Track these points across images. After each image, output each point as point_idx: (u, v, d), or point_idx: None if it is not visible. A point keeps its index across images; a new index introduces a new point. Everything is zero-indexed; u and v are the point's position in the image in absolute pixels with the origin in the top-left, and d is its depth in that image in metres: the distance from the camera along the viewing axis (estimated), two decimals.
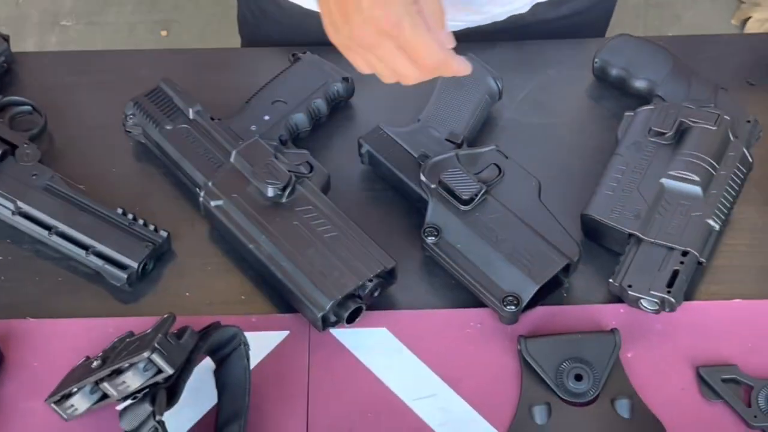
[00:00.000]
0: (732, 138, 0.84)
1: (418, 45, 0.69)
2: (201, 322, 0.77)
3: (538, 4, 1.01)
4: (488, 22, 1.00)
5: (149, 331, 0.70)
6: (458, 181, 0.83)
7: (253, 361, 0.79)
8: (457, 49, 0.72)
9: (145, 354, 0.66)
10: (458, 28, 0.98)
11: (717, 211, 0.81)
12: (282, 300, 0.82)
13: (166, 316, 0.71)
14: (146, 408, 0.68)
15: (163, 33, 2.25)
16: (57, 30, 2.26)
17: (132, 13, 2.28)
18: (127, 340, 0.71)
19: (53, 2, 2.31)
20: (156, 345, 0.66)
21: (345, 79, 0.91)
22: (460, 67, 0.73)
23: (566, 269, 0.82)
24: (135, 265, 0.81)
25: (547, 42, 0.99)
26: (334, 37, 0.73)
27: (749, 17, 2.22)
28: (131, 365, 0.67)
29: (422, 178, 0.84)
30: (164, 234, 0.84)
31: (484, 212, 0.83)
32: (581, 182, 0.87)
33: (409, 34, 0.68)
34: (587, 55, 0.95)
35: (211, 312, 0.81)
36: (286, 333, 0.81)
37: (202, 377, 0.78)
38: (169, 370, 0.67)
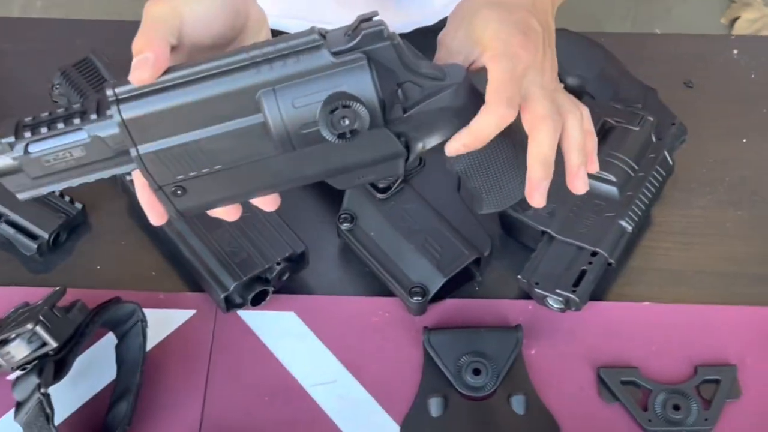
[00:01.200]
0: (654, 140, 0.83)
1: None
2: (107, 296, 0.77)
3: None
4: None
5: (39, 302, 0.70)
6: None
7: (157, 338, 0.79)
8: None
9: (29, 326, 0.66)
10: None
11: (631, 213, 0.80)
12: (191, 278, 0.82)
13: (56, 288, 0.71)
14: (33, 380, 0.68)
15: None
16: None
17: None
18: (20, 310, 0.71)
19: None
20: (41, 317, 0.66)
21: None
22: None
23: (477, 263, 0.81)
24: (46, 235, 0.81)
25: None
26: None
27: (738, 17, 2.20)
28: (17, 336, 0.67)
29: None
30: (79, 206, 0.84)
31: (400, 201, 0.83)
32: None
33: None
34: None
35: (120, 286, 0.81)
36: (192, 312, 0.81)
37: (105, 352, 0.78)
38: (53, 343, 0.67)
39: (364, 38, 0.54)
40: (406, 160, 0.59)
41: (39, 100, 0.91)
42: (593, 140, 0.64)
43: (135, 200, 0.82)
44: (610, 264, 0.79)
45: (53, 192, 0.83)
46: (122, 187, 0.84)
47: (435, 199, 0.83)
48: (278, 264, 0.79)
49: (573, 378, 0.77)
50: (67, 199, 0.84)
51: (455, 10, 0.64)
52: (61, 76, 0.89)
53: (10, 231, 0.82)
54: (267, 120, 0.54)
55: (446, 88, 0.58)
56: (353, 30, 0.55)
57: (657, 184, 0.82)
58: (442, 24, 0.97)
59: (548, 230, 0.80)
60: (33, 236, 0.82)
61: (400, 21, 0.98)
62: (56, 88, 0.89)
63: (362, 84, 0.54)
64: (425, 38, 0.93)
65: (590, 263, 0.78)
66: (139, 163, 0.55)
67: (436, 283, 0.79)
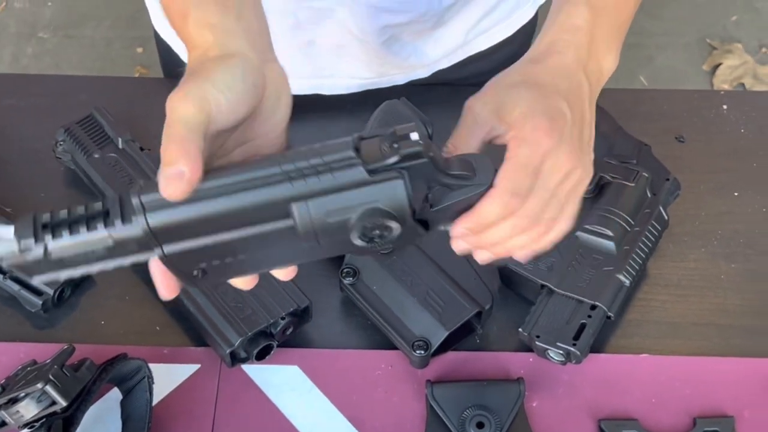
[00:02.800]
0: (650, 195, 0.85)
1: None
2: (111, 351, 0.77)
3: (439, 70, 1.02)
4: (386, 84, 1.00)
5: (48, 361, 0.70)
6: None
7: (162, 394, 0.79)
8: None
9: (39, 385, 0.67)
10: (350, 90, 0.99)
11: (629, 267, 0.82)
12: (195, 333, 0.82)
13: (65, 347, 0.72)
14: None
15: (139, 50, 2.27)
16: (34, 41, 2.28)
17: (110, 29, 2.30)
18: (29, 368, 0.72)
19: (32, 13, 2.33)
20: (50, 377, 0.67)
21: None
22: None
23: (479, 316, 0.82)
24: (51, 291, 0.82)
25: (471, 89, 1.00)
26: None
27: (720, 63, 2.24)
28: (26, 395, 0.68)
29: None
30: None
31: (402, 256, 0.84)
32: None
33: None
34: None
35: (124, 341, 0.82)
36: (196, 366, 0.82)
37: (111, 406, 0.79)
38: (62, 402, 0.68)
39: (403, 158, 0.54)
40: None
41: (42, 156, 0.93)
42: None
43: None
44: (609, 317, 0.81)
45: None
46: None
47: (436, 253, 0.84)
48: (282, 319, 0.80)
49: (575, 430, 0.78)
50: None
51: (494, 79, 0.64)
52: (64, 133, 0.90)
53: (15, 287, 0.82)
54: (297, 227, 0.54)
55: (475, 188, 0.58)
56: (390, 145, 0.54)
57: (653, 239, 0.84)
58: (437, 76, 1.01)
59: (548, 284, 0.82)
60: (38, 292, 0.82)
61: (395, 74, 1.00)
62: (60, 144, 0.90)
63: (397, 201, 0.54)
64: (419, 90, 0.95)
65: (590, 316, 0.80)
66: (163, 260, 0.55)
67: (438, 336, 0.80)
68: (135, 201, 0.53)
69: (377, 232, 0.55)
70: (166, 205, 0.52)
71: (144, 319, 0.84)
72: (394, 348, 0.82)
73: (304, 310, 0.81)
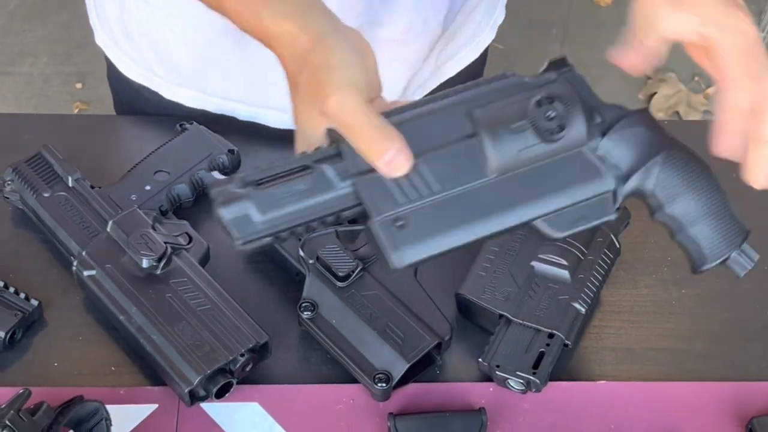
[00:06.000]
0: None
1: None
2: (67, 393, 0.76)
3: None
4: None
5: (3, 406, 0.69)
6: (336, 257, 0.84)
7: None
8: None
9: None
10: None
11: (584, 295, 0.83)
12: (153, 372, 0.81)
13: (21, 391, 0.70)
14: None
15: (78, 85, 2.24)
16: None
17: (47, 65, 2.27)
18: None
19: None
20: (7, 422, 0.65)
21: (231, 152, 0.92)
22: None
23: (438, 347, 0.83)
24: (1, 334, 0.80)
25: None
26: None
27: (655, 93, 2.31)
28: None
29: (300, 253, 0.85)
30: (35, 303, 0.83)
31: (360, 289, 0.84)
32: (458, 261, 0.89)
33: None
34: None
35: (79, 383, 0.80)
36: (154, 406, 0.80)
37: None
38: None
39: (552, 65, 0.62)
40: (615, 199, 0.63)
41: None
42: None
43: (91, 295, 0.83)
44: (566, 345, 0.82)
45: (8, 289, 0.82)
46: (78, 281, 0.84)
47: (394, 285, 0.84)
48: (242, 355, 0.79)
49: None
50: (22, 296, 0.83)
51: None
52: (12, 172, 0.88)
53: None
54: (478, 128, 0.59)
55: (632, 113, 0.63)
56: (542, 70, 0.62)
57: (606, 267, 0.86)
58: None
59: (505, 313, 0.82)
60: None
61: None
62: (8, 184, 0.88)
63: (563, 89, 0.60)
64: None
65: (548, 345, 0.81)
66: (360, 188, 0.59)
67: (399, 368, 0.80)
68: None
69: (552, 114, 0.59)
70: None
71: (98, 359, 0.83)
72: (355, 381, 0.82)
73: (263, 345, 0.81)
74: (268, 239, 0.60)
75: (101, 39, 1.03)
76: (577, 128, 0.60)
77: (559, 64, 0.63)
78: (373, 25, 0.92)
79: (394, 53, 0.95)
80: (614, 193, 0.63)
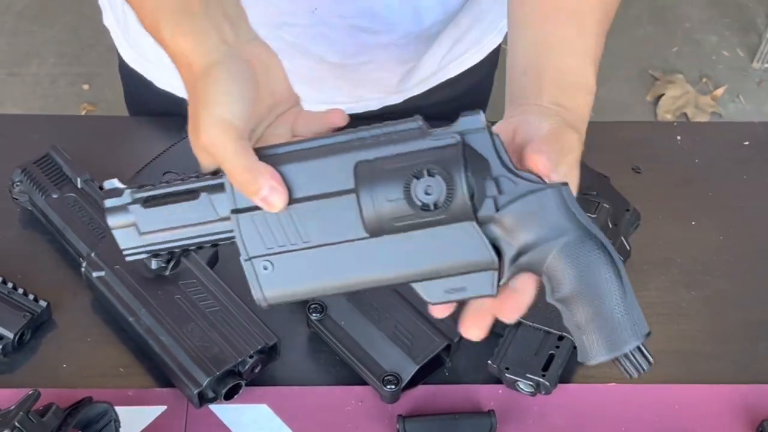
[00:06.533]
0: (611, 226, 0.87)
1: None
2: (75, 395, 0.76)
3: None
4: (362, 110, 1.01)
5: (12, 407, 0.68)
6: None
7: None
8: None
9: None
10: None
11: None
12: (161, 373, 0.81)
13: (30, 392, 0.70)
14: None
15: (85, 86, 2.24)
16: None
17: (54, 66, 2.27)
18: None
19: None
20: (16, 424, 0.65)
21: None
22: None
23: (448, 349, 0.82)
24: (11, 335, 0.80)
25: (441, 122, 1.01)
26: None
27: (663, 94, 2.30)
28: None
29: None
30: (43, 304, 0.82)
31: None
32: None
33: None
34: None
35: (87, 384, 0.80)
36: (162, 408, 0.80)
37: None
38: None
39: (461, 123, 0.57)
40: (499, 276, 0.57)
41: None
42: None
43: (100, 296, 0.83)
44: (576, 347, 0.81)
45: (17, 290, 0.82)
46: (87, 282, 0.84)
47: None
48: (251, 357, 0.79)
49: None
50: (31, 297, 0.83)
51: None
52: (21, 173, 0.88)
53: None
54: (357, 187, 0.56)
55: (546, 188, 0.56)
56: (452, 121, 0.57)
57: None
58: (409, 102, 1.01)
59: None
60: None
61: (369, 99, 1.00)
62: (17, 185, 0.88)
63: (452, 160, 0.55)
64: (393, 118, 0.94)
65: (557, 347, 0.81)
66: (235, 225, 0.58)
67: (408, 370, 0.80)
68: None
69: (430, 191, 0.55)
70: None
71: (107, 360, 0.83)
72: (364, 383, 0.82)
73: (272, 347, 0.81)
74: (146, 255, 0.62)
75: (108, 20, 1.03)
76: (459, 204, 0.55)
77: (469, 112, 0.57)
78: (368, 32, 0.92)
79: (390, 53, 0.95)
80: (498, 270, 0.57)
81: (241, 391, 0.80)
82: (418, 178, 0.55)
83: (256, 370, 0.80)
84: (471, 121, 0.57)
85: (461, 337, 0.82)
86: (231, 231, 0.59)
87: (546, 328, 0.81)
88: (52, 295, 0.84)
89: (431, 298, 0.60)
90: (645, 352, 0.59)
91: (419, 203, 0.55)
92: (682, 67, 2.34)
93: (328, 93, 0.97)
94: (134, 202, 0.60)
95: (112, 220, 0.61)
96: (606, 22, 0.73)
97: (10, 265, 0.86)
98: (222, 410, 0.80)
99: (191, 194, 0.59)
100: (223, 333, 0.79)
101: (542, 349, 0.80)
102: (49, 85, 2.24)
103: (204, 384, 0.77)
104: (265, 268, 0.59)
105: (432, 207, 0.55)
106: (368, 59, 0.94)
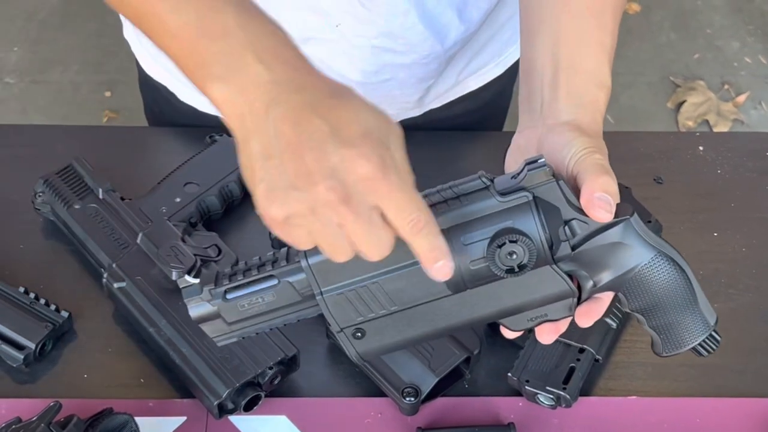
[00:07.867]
0: None
1: (403, 199, 0.55)
2: (96, 406, 0.76)
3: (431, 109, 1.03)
4: None
5: (34, 419, 0.69)
6: None
7: None
8: None
9: None
10: None
11: (615, 309, 0.82)
12: (181, 385, 0.81)
13: (51, 404, 0.70)
14: None
15: (107, 94, 2.26)
16: (0, 87, 2.26)
17: (77, 73, 2.29)
18: (14, 426, 0.70)
19: None
20: None
21: None
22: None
23: (467, 361, 0.82)
24: (32, 345, 0.81)
25: (459, 133, 1.01)
26: (276, 208, 0.55)
27: (684, 101, 2.28)
28: None
29: None
30: (65, 314, 0.83)
31: None
32: None
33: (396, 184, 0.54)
34: (494, 147, 0.96)
35: (108, 395, 0.80)
36: (183, 419, 0.80)
37: None
38: None
39: (529, 178, 0.58)
40: (578, 300, 0.61)
41: (20, 207, 0.91)
42: None
43: (121, 307, 0.83)
44: (596, 360, 0.81)
45: (38, 301, 0.83)
46: (108, 293, 0.84)
47: None
48: (270, 368, 0.79)
49: None
50: (53, 307, 0.83)
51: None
52: (43, 184, 0.89)
53: None
54: None
55: (614, 224, 0.59)
56: (518, 173, 0.59)
57: None
58: (428, 114, 1.00)
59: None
60: (19, 347, 0.81)
61: (389, 114, 0.99)
62: (39, 196, 0.89)
63: (527, 220, 0.57)
64: (411, 133, 0.94)
65: (578, 360, 0.80)
66: (323, 304, 0.60)
67: (428, 382, 0.80)
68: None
69: (513, 256, 0.57)
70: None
71: (128, 371, 0.83)
72: (383, 395, 0.82)
73: (291, 358, 0.81)
74: (236, 339, 0.64)
75: (129, 34, 1.03)
76: (540, 259, 0.58)
77: (534, 165, 0.59)
78: (390, 52, 0.92)
79: (411, 72, 0.95)
80: (578, 297, 0.62)
81: (260, 403, 0.80)
82: (500, 246, 0.57)
83: (276, 382, 0.80)
84: (537, 175, 0.58)
85: (481, 349, 0.82)
86: (316, 306, 0.61)
87: (567, 341, 0.81)
88: (74, 305, 0.85)
89: (515, 327, 0.62)
90: (714, 335, 0.66)
91: (504, 268, 0.58)
92: (703, 74, 2.33)
93: None
94: (215, 297, 0.61)
95: (195, 314, 0.62)
96: (619, 15, 0.73)
97: (32, 276, 0.87)
98: (241, 421, 0.80)
99: (271, 279, 0.61)
100: (243, 344, 0.79)
101: (563, 361, 0.80)
102: (71, 92, 2.26)
103: (224, 395, 0.77)
104: (357, 335, 0.61)
105: (516, 269, 0.58)
106: (389, 77, 0.94)
